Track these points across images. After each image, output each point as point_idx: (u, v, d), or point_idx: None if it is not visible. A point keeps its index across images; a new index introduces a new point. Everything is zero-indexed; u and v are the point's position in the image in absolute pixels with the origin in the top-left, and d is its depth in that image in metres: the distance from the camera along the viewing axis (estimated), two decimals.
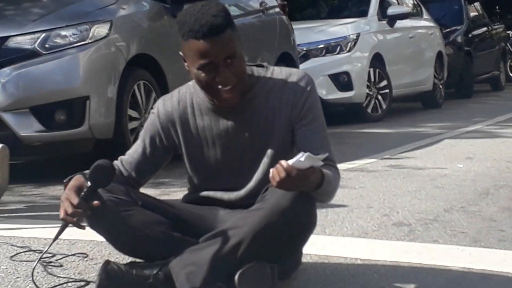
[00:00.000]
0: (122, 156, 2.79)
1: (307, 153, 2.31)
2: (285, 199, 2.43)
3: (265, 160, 2.65)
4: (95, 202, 2.42)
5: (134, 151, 2.77)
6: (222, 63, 2.48)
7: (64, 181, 2.56)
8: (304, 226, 2.52)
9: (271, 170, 2.33)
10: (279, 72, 2.67)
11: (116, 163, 2.76)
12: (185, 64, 2.58)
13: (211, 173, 2.71)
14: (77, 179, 2.50)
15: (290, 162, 2.30)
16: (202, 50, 2.46)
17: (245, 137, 2.65)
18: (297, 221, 2.46)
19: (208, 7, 2.50)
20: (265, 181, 2.58)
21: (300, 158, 2.30)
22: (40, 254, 2.95)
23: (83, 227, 2.45)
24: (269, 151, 2.64)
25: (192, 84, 2.72)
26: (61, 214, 2.43)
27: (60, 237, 2.51)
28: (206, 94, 2.62)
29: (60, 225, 2.47)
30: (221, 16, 2.48)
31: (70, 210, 2.40)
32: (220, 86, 2.51)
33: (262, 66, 2.70)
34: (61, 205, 2.44)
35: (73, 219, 2.41)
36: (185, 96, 2.72)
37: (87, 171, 2.51)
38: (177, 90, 2.77)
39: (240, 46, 2.52)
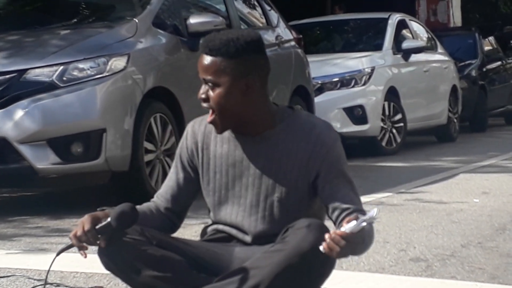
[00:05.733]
0: (158, 191, 2.81)
1: (361, 218, 2.31)
2: (305, 242, 2.44)
3: (275, 204, 2.63)
4: (101, 242, 2.50)
5: (169, 179, 2.79)
6: (204, 82, 2.56)
7: (98, 209, 2.62)
8: (323, 269, 2.53)
9: (326, 240, 2.32)
10: (306, 119, 2.65)
11: (153, 200, 2.78)
12: None
13: (220, 200, 2.71)
14: (103, 212, 2.57)
15: (347, 229, 2.30)
16: (199, 63, 2.57)
17: (255, 172, 2.65)
18: (317, 264, 2.47)
19: (243, 32, 2.57)
20: (272, 222, 2.62)
21: (356, 224, 2.30)
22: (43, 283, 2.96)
23: (84, 255, 2.54)
24: (276, 194, 2.63)
25: None
26: (71, 233, 2.53)
27: (77, 270, 2.53)
28: None
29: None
30: (234, 46, 2.52)
31: (79, 232, 2.51)
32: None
33: (292, 108, 2.71)
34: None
35: (79, 243, 2.51)
36: None
37: (119, 206, 2.55)
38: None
39: (232, 85, 2.52)
